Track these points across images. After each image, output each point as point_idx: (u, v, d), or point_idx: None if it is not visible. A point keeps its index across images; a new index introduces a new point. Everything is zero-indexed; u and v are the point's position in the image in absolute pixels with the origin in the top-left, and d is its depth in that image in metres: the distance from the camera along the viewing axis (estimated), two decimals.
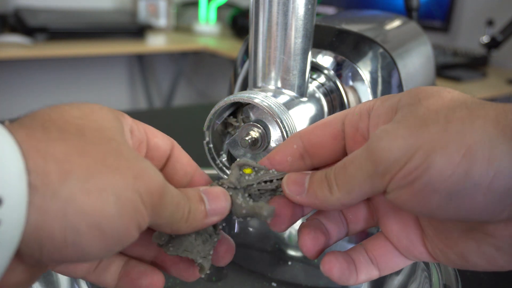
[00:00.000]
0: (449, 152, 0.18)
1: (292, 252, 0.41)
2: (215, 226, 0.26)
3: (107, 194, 0.18)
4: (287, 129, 0.29)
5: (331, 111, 0.39)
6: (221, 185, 0.25)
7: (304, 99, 0.35)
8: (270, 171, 0.25)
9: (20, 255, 0.17)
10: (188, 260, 0.25)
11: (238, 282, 0.39)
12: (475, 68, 1.56)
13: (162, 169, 0.26)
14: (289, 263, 0.40)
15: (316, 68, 0.40)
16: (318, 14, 0.35)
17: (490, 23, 1.46)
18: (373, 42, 0.40)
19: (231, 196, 0.25)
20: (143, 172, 0.19)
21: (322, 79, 0.40)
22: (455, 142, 0.18)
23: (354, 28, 0.41)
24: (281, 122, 0.29)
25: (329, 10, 1.96)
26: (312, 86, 0.38)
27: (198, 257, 0.24)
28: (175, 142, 0.26)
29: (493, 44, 1.40)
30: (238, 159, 0.26)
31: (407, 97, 0.21)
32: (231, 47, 1.91)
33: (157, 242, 0.24)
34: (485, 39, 1.43)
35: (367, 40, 0.40)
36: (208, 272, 0.25)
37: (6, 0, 1.89)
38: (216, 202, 0.23)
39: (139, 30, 1.87)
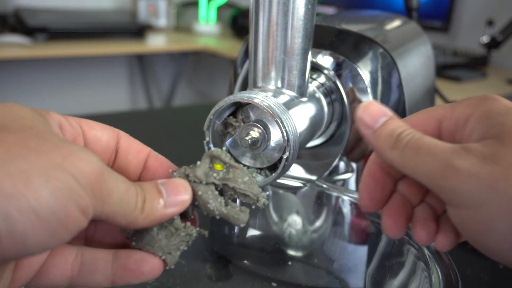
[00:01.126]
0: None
1: (292, 252, 0.41)
2: (185, 216, 0.25)
3: (33, 175, 0.16)
4: (287, 129, 0.29)
5: (331, 111, 0.39)
6: (187, 176, 0.24)
7: (304, 99, 0.35)
8: (240, 179, 0.24)
9: None
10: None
11: (238, 282, 0.39)
12: (475, 68, 1.56)
13: (113, 163, 0.25)
14: (289, 263, 0.40)
15: (316, 68, 0.40)
16: (318, 14, 0.35)
17: (490, 23, 1.46)
18: (373, 42, 0.40)
19: (200, 195, 0.24)
20: (71, 153, 0.18)
21: (322, 79, 0.40)
22: None
23: (354, 28, 0.41)
24: (281, 122, 0.29)
25: (329, 10, 1.96)
26: (312, 86, 0.38)
27: (161, 252, 0.23)
28: (120, 132, 0.25)
29: (493, 44, 1.40)
30: (212, 149, 0.25)
31: (507, 126, 0.20)
32: (231, 47, 1.91)
33: (124, 234, 0.24)
34: (485, 39, 1.43)
35: (367, 40, 0.40)
36: (171, 267, 0.24)
37: (6, 0, 1.89)
38: (175, 194, 0.23)
39: (139, 30, 1.87)
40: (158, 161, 0.25)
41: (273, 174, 0.31)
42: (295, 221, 0.41)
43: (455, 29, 1.75)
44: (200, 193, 0.24)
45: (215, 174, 0.24)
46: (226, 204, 0.24)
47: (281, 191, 0.41)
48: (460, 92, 1.33)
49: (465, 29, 1.74)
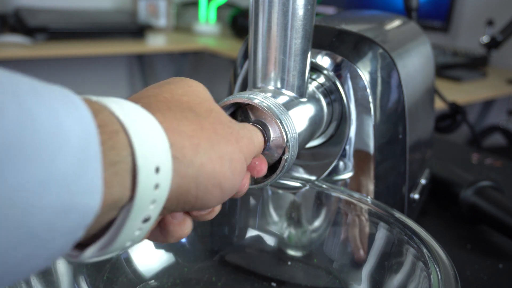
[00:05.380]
0: None
1: (292, 252, 0.41)
2: None
3: (224, 160, 0.23)
4: (287, 130, 0.29)
5: (331, 111, 0.39)
6: None
7: (304, 99, 0.35)
8: None
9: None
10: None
11: (238, 282, 0.39)
12: (475, 68, 1.56)
13: None
14: (289, 263, 0.40)
15: (316, 69, 0.40)
16: (318, 14, 0.35)
17: (490, 23, 1.46)
18: (372, 42, 0.40)
19: None
20: (242, 137, 0.25)
21: (321, 79, 0.40)
22: None
23: (353, 28, 0.42)
24: (281, 122, 0.29)
25: (329, 10, 1.96)
26: (311, 87, 0.38)
27: None
28: None
29: (493, 44, 1.40)
30: None
31: None
32: (231, 47, 1.91)
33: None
34: (485, 39, 1.43)
35: (367, 41, 0.40)
36: None
37: (6, 0, 1.89)
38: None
39: (139, 30, 1.87)
40: None
41: (273, 175, 0.31)
42: (295, 221, 0.41)
43: (455, 29, 1.75)
44: None
45: None
46: None
47: (281, 191, 0.41)
48: (460, 92, 1.33)
49: (465, 29, 1.74)
